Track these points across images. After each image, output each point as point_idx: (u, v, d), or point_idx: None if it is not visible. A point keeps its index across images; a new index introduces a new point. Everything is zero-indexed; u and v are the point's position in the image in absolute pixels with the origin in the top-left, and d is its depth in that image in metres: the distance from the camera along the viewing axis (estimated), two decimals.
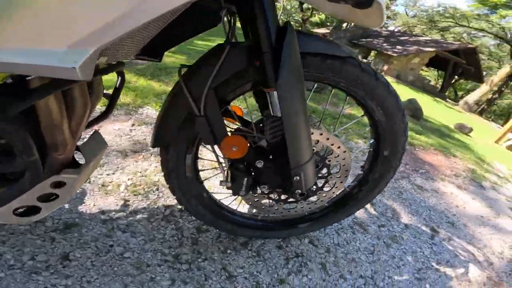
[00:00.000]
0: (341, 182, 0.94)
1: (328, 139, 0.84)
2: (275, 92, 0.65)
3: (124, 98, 1.80)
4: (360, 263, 1.13)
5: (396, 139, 0.89)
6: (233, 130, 0.84)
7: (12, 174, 0.67)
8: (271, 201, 0.94)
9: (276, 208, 0.95)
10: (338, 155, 0.87)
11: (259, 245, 1.07)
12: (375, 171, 0.97)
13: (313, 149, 0.85)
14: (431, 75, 21.43)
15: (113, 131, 1.47)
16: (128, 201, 1.11)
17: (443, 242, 1.41)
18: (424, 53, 12.13)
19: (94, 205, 1.04)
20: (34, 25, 0.43)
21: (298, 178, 0.77)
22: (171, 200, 1.16)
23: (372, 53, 13.17)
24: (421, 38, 13.95)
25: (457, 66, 13.79)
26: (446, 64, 13.79)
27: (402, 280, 1.12)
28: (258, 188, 0.85)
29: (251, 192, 0.85)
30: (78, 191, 1.09)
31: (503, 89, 13.89)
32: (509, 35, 13.89)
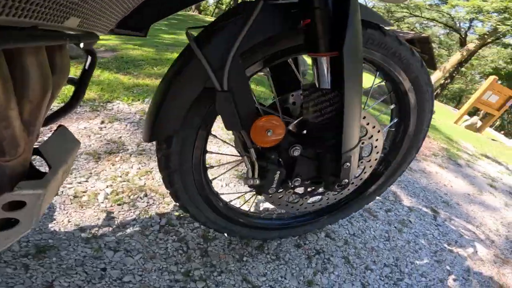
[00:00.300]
0: (371, 167, 0.88)
1: (364, 117, 0.76)
2: (324, 59, 0.55)
3: (88, 93, 1.54)
4: (380, 252, 1.09)
5: (424, 116, 0.86)
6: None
7: None
8: (295, 196, 0.83)
9: (301, 203, 0.85)
10: (372, 136, 0.80)
11: (275, 247, 0.97)
12: (397, 152, 0.93)
13: None
14: None
15: (77, 130, 1.24)
16: (112, 213, 0.92)
17: (445, 222, 1.45)
18: None
19: (69, 222, 0.84)
20: None
21: (348, 164, 0.66)
22: (165, 207, 1.00)
23: None
24: None
25: None
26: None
27: (424, 264, 1.11)
28: (290, 182, 0.71)
29: (283, 188, 0.72)
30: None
31: (454, 74, 15.47)
32: (458, 24, 15.50)
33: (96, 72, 1.89)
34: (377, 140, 0.81)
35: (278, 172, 0.67)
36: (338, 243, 1.07)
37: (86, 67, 0.68)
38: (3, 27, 0.33)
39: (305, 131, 0.70)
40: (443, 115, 6.66)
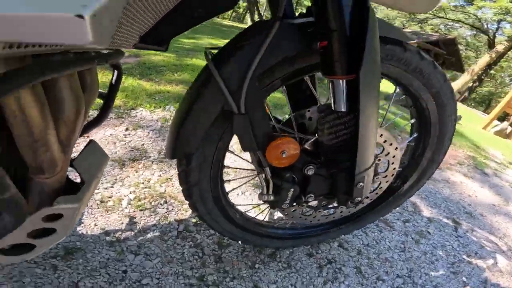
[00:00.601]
0: (387, 182, 0.86)
1: (381, 135, 0.75)
2: (340, 82, 0.54)
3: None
4: (394, 262, 1.06)
5: (445, 131, 0.83)
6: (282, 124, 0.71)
7: None
8: (308, 209, 0.83)
9: (314, 216, 0.85)
10: (389, 153, 0.79)
11: (287, 255, 0.98)
12: (416, 168, 0.90)
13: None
14: None
15: (104, 137, 1.32)
16: (134, 218, 0.97)
17: (467, 233, 1.38)
18: None
19: (96, 225, 0.90)
20: None
21: (362, 184, 0.66)
22: (183, 214, 1.04)
23: None
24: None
25: (438, 57, 14.47)
26: (427, 54, 14.50)
27: (439, 276, 1.07)
28: (303, 198, 0.72)
29: (297, 203, 0.73)
30: None
31: (483, 77, 14.65)
32: (485, 26, 14.71)
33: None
34: (394, 156, 0.80)
35: (292, 189, 0.68)
36: (351, 253, 1.05)
37: (113, 82, 0.74)
38: (35, 55, 0.37)
39: (320, 151, 0.70)
40: (471, 120, 6.31)
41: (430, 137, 0.84)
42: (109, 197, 1.03)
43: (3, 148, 0.47)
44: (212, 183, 0.73)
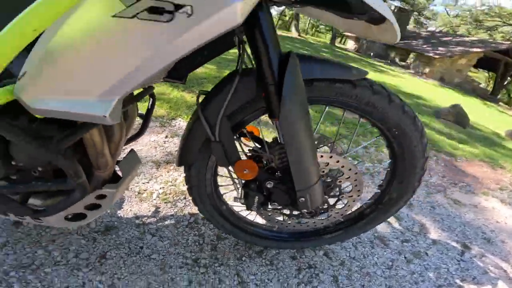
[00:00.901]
0: (354, 201, 0.93)
1: (338, 161, 0.84)
2: (277, 122, 0.68)
3: (159, 110, 1.98)
4: (374, 278, 1.09)
5: (414, 160, 0.85)
6: (249, 149, 0.87)
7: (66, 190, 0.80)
8: (283, 216, 0.96)
9: (289, 222, 0.97)
10: (349, 177, 0.87)
11: (273, 255, 1.10)
12: (393, 191, 0.94)
13: (323, 171, 0.86)
14: (482, 77, 19.23)
15: (149, 142, 1.64)
16: (159, 208, 1.22)
17: (473, 258, 1.28)
18: (470, 54, 11.04)
19: (131, 211, 1.17)
20: (69, 79, 0.52)
21: (303, 199, 0.78)
22: (195, 209, 1.25)
23: (412, 54, 12.35)
24: (466, 39, 12.75)
25: (509, 67, 12.28)
26: (497, 64, 12.38)
27: None
28: (269, 204, 0.87)
29: (262, 208, 0.88)
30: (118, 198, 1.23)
31: None
32: None
33: (168, 90, 2.34)
34: (355, 180, 0.88)
35: (256, 197, 0.83)
36: (333, 262, 1.12)
37: (149, 107, 1.01)
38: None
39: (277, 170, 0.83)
40: None
41: (399, 165, 0.88)
42: (144, 190, 1.30)
43: (81, 155, 0.74)
44: (207, 187, 0.92)
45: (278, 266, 1.06)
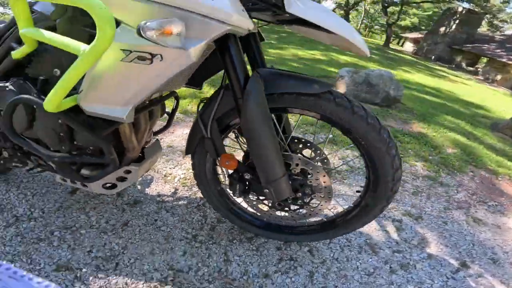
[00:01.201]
0: (326, 202, 1.00)
1: (307, 163, 0.92)
2: None
3: (194, 107, 2.21)
4: (350, 281, 1.13)
5: (384, 170, 0.87)
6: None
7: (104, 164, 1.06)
8: (266, 206, 1.08)
9: (271, 214, 1.08)
10: (318, 179, 0.94)
11: (261, 243, 1.23)
12: (368, 198, 0.97)
13: (294, 170, 0.95)
14: None
15: (181, 134, 1.88)
16: (177, 189, 1.45)
17: (467, 278, 1.19)
18: None
19: (155, 189, 1.43)
20: (104, 95, 0.76)
21: (267, 191, 0.90)
22: None
23: (483, 60, 10.32)
24: None
25: None
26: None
27: None
28: (250, 194, 1.02)
29: (244, 195, 1.02)
30: (149, 178, 1.50)
31: None
32: None
33: (206, 89, 2.56)
34: (324, 182, 0.94)
35: (238, 185, 0.97)
36: (315, 259, 1.19)
37: (174, 107, 1.23)
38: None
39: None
40: None
41: (370, 174, 0.90)
42: (170, 174, 1.55)
43: (116, 141, 0.97)
44: (207, 174, 1.09)
45: (263, 253, 1.18)
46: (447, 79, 8.39)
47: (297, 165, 0.93)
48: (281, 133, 0.97)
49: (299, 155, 0.93)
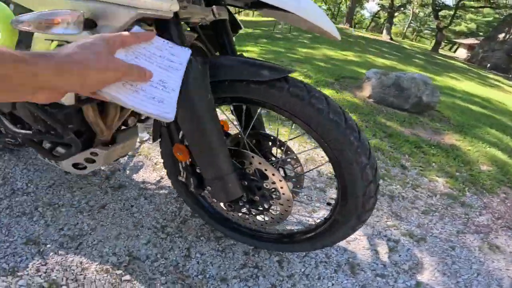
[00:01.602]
0: (286, 210, 0.86)
1: (260, 163, 0.80)
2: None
3: None
4: None
5: (351, 184, 0.71)
6: None
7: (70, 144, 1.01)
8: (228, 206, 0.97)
9: (232, 214, 0.98)
10: (274, 182, 0.80)
11: (229, 244, 1.13)
12: (335, 215, 0.81)
13: (248, 170, 0.83)
14: None
15: None
16: (163, 178, 1.42)
17: None
18: None
19: (142, 176, 1.41)
20: None
21: (209, 188, 0.80)
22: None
23: None
24: None
25: None
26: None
27: None
28: (204, 189, 0.89)
29: (200, 191, 0.90)
30: (140, 164, 1.50)
31: None
32: None
33: None
34: (282, 188, 0.81)
35: (191, 179, 0.87)
36: (282, 272, 1.06)
37: None
38: None
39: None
40: None
41: (340, 183, 0.75)
42: (160, 162, 1.52)
43: (86, 127, 0.94)
44: (172, 165, 1.02)
45: (227, 255, 1.09)
46: (501, 89, 7.22)
47: (250, 164, 0.81)
48: (241, 128, 0.86)
49: (251, 153, 0.79)
